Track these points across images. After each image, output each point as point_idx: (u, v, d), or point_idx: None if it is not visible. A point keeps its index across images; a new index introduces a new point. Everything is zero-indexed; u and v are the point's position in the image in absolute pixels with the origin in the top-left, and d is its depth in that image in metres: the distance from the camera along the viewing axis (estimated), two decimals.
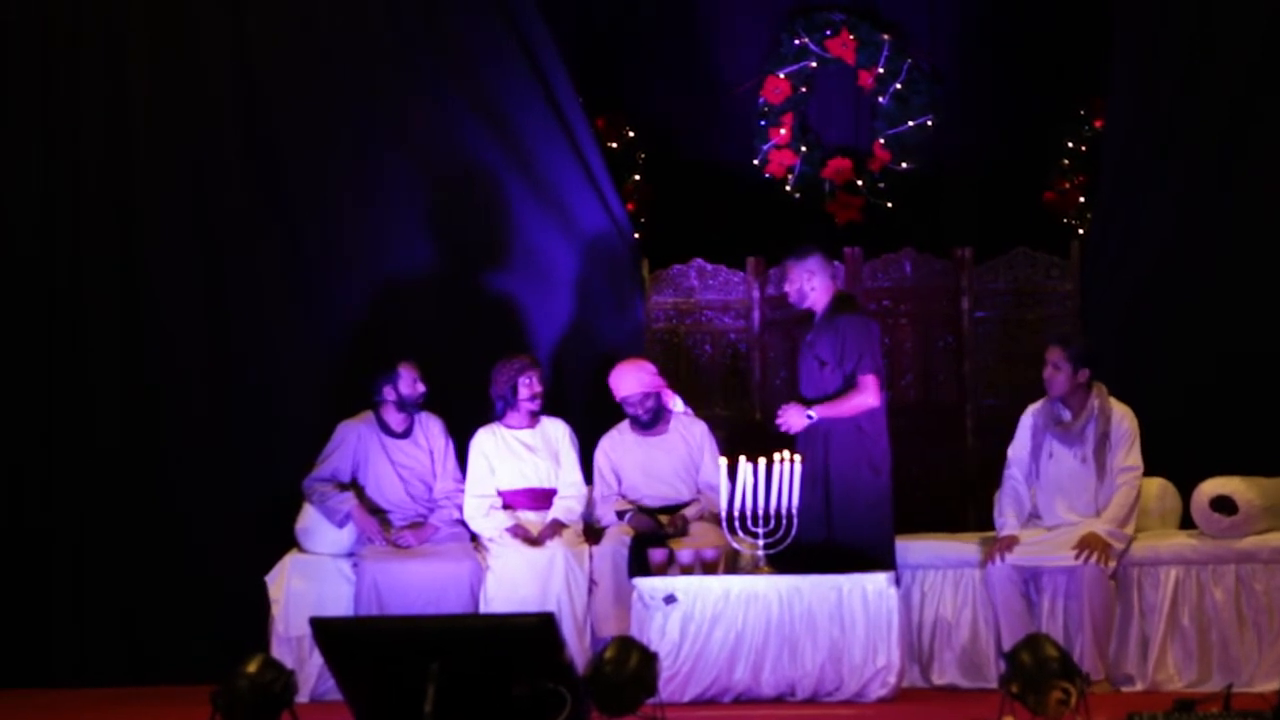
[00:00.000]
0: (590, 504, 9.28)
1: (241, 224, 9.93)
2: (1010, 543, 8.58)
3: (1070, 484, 8.65)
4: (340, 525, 9.06)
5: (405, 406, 9.18)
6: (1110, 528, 8.49)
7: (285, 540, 9.19)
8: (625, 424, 9.36)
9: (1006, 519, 8.72)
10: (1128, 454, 8.59)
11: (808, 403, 8.71)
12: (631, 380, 9.27)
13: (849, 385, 8.66)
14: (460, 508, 9.19)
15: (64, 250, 9.86)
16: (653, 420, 9.29)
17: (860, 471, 8.66)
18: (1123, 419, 8.64)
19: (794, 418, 8.70)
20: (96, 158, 9.88)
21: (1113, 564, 8.45)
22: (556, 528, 9.05)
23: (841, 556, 8.46)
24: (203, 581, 9.63)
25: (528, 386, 9.23)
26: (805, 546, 8.48)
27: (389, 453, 9.20)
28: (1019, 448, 8.80)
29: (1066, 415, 8.68)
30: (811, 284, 8.81)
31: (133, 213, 9.89)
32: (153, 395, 9.83)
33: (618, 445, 9.33)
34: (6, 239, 9.86)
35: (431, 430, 9.29)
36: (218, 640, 9.16)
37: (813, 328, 8.86)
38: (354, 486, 9.15)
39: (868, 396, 8.65)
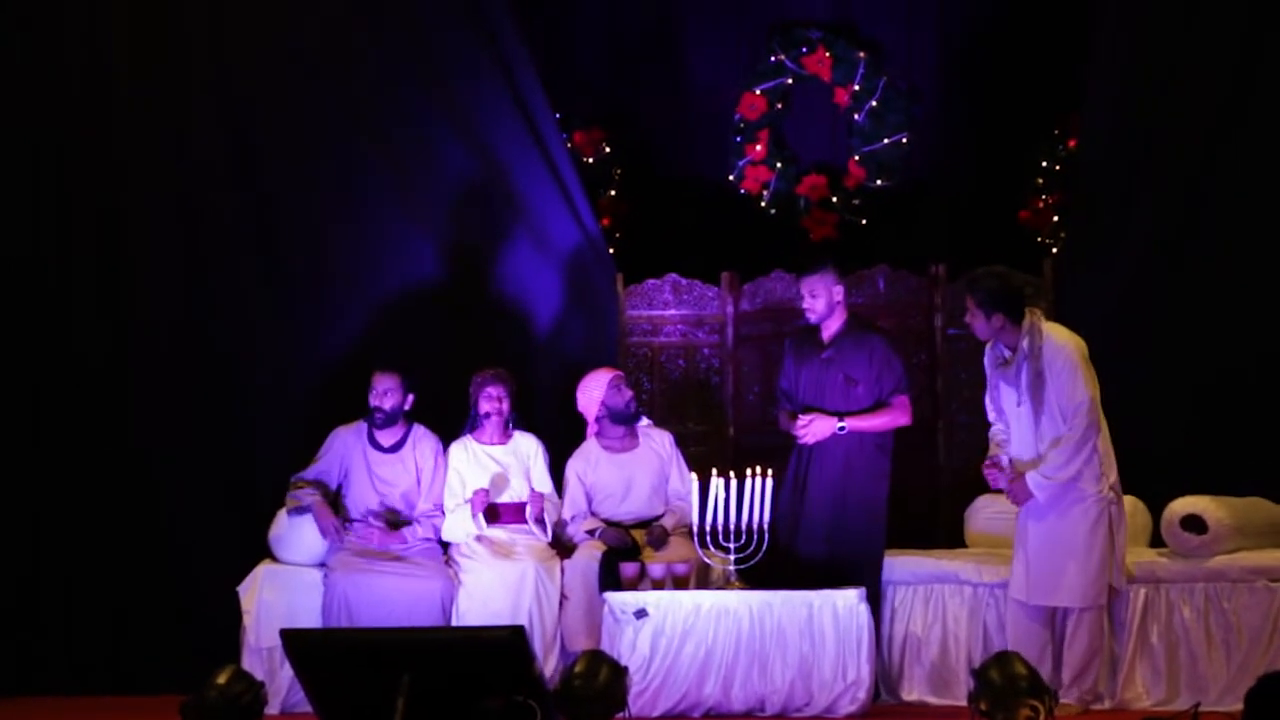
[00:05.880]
0: (560, 523, 9.26)
1: (225, 237, 9.93)
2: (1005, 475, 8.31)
3: (1018, 426, 8.31)
4: (296, 515, 9.01)
5: (374, 418, 9.14)
6: (1038, 476, 8.13)
7: (264, 552, 9.18)
8: (591, 442, 9.34)
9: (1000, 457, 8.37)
10: (1067, 389, 8.08)
11: (830, 415, 8.73)
12: (594, 382, 9.30)
13: (881, 404, 8.73)
14: (436, 529, 9.15)
15: (49, 260, 9.85)
16: (635, 412, 9.29)
17: (876, 488, 8.77)
18: (1059, 351, 8.12)
19: (822, 427, 8.72)
20: (82, 171, 9.87)
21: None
22: (540, 499, 9.05)
23: (841, 569, 8.56)
24: (185, 592, 9.63)
25: (488, 400, 9.21)
26: (805, 559, 8.60)
27: (370, 465, 9.17)
28: (988, 388, 8.46)
29: (1007, 354, 8.31)
30: (837, 295, 8.81)
31: (118, 220, 9.87)
32: (135, 405, 9.81)
33: (590, 464, 9.29)
34: None
35: (423, 449, 9.23)
36: (198, 651, 9.11)
37: (828, 344, 8.83)
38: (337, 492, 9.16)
39: (902, 415, 8.76)
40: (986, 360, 8.43)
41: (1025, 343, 8.16)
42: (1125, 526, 8.35)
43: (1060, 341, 8.16)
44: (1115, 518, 8.21)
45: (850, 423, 8.70)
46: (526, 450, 9.31)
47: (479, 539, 9.06)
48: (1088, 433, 8.09)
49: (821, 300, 8.80)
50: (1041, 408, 8.14)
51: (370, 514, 9.10)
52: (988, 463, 8.38)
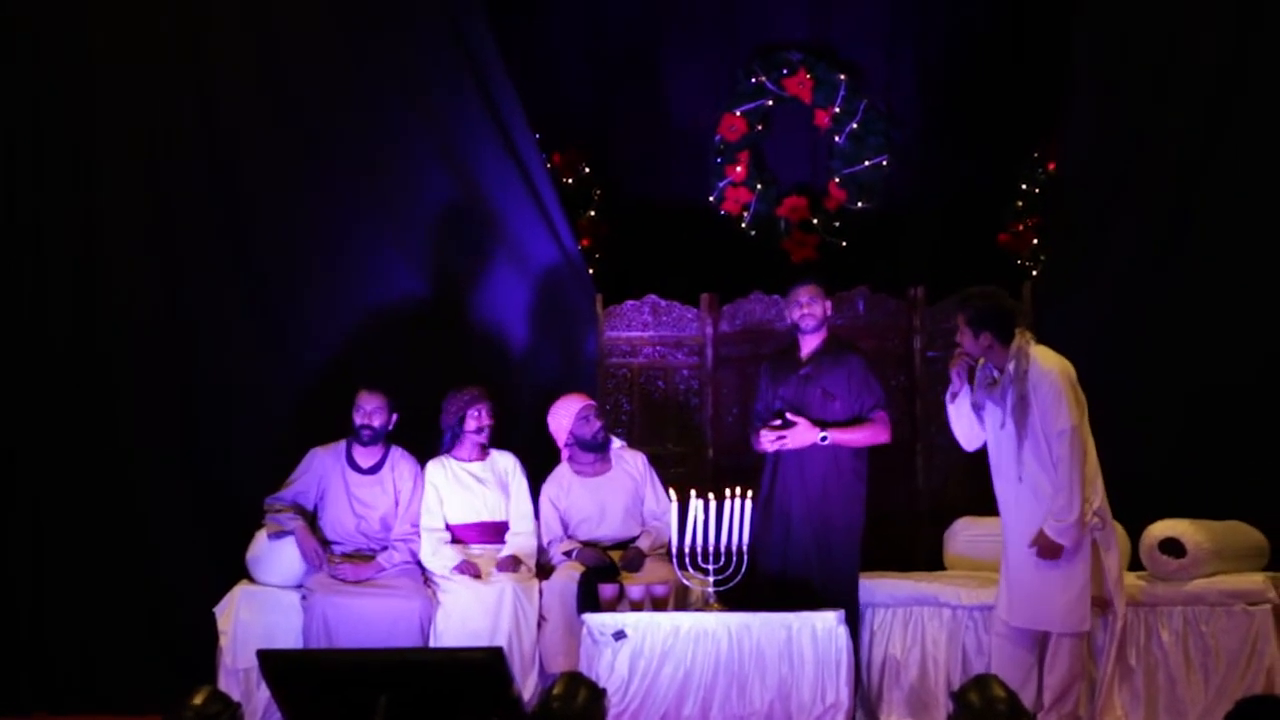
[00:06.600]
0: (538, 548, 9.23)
1: (206, 255, 9.90)
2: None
3: (999, 451, 8.24)
4: (277, 538, 8.98)
5: (358, 437, 9.12)
6: (1052, 523, 7.99)
7: (241, 573, 9.14)
8: (564, 467, 9.33)
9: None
10: (1050, 415, 7.98)
11: (813, 423, 8.73)
12: (564, 409, 9.30)
13: (860, 419, 8.73)
14: (414, 552, 9.11)
15: (25, 269, 9.80)
16: (604, 441, 9.27)
17: (853, 512, 8.75)
18: (1044, 375, 8.01)
19: (804, 434, 8.69)
20: (62, 183, 9.83)
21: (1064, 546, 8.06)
22: (514, 563, 9.01)
23: (819, 592, 8.54)
24: (160, 613, 9.61)
25: (475, 418, 9.20)
26: (783, 581, 8.57)
27: (349, 486, 9.13)
28: (976, 408, 8.38)
29: (995, 374, 8.22)
30: (828, 309, 8.86)
31: (96, 234, 9.82)
32: (113, 424, 9.77)
33: (563, 489, 9.28)
34: None
35: (401, 471, 9.20)
36: (174, 671, 9.07)
37: (806, 360, 8.83)
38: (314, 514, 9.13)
39: (882, 431, 8.76)
40: (977, 379, 8.37)
41: (1012, 365, 8.10)
42: (1118, 550, 8.30)
43: (1046, 366, 8.06)
44: (1102, 543, 8.16)
45: (832, 434, 8.69)
46: (504, 467, 9.29)
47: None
48: (1073, 461, 7.99)
49: (819, 307, 8.82)
50: (1025, 432, 8.07)
51: (337, 550, 9.08)
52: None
